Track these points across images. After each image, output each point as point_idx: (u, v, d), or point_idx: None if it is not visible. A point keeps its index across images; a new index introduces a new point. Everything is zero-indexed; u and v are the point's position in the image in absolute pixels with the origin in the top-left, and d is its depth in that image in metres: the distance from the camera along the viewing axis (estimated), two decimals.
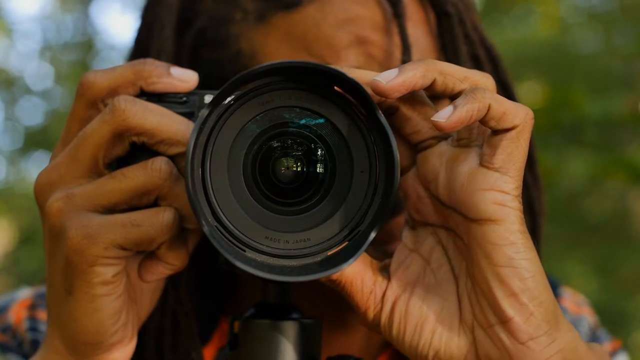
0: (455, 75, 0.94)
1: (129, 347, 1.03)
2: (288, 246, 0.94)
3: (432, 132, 0.97)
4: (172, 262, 1.01)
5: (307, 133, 0.95)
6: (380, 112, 0.92)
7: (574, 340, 0.96)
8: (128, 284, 1.01)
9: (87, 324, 0.99)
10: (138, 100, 0.99)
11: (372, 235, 0.92)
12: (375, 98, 0.94)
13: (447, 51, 1.21)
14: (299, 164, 0.95)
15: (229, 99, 0.93)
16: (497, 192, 0.93)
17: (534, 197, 1.28)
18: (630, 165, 3.51)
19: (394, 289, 0.98)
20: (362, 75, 0.94)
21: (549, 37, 7.40)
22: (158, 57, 1.20)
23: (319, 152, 0.95)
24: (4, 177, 10.22)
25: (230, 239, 0.94)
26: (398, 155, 0.91)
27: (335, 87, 0.94)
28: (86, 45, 10.35)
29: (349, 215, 0.94)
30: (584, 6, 8.26)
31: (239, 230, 0.94)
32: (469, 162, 0.95)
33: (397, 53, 1.18)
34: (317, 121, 0.95)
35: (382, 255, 1.17)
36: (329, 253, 0.94)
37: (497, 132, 0.93)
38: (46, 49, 10.44)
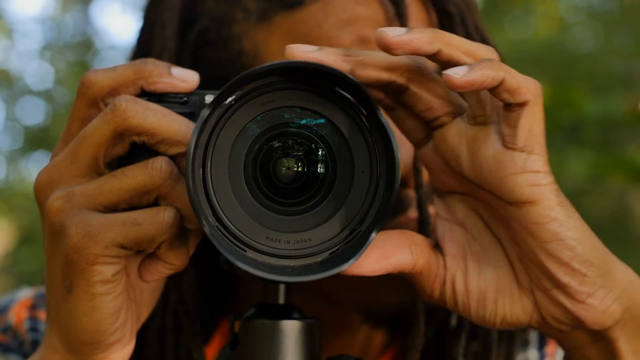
0: (460, 47, 0.94)
1: (128, 347, 1.03)
2: (289, 246, 0.94)
3: (445, 108, 0.97)
4: (172, 262, 1.01)
5: (308, 133, 0.95)
6: (381, 112, 0.92)
7: (630, 284, 0.99)
8: (128, 284, 1.01)
9: (86, 322, 0.99)
10: (139, 99, 0.99)
11: (373, 235, 0.92)
12: (376, 62, 0.94)
13: None
14: (299, 164, 0.95)
15: (229, 99, 0.93)
16: (529, 174, 0.94)
17: None
18: (630, 165, 3.52)
19: (449, 267, 1.00)
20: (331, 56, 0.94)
21: (549, 36, 7.40)
22: (160, 57, 1.20)
23: (320, 153, 0.95)
24: (4, 177, 10.22)
25: (231, 239, 0.94)
26: (399, 156, 0.91)
27: (336, 88, 0.94)
28: (86, 45, 10.35)
29: (350, 215, 0.94)
30: (584, 6, 8.27)
31: (239, 231, 0.94)
32: (491, 143, 0.95)
33: None
34: (317, 121, 0.95)
35: None
36: (330, 253, 0.94)
37: (509, 106, 0.93)
38: (46, 49, 10.44)
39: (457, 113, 0.97)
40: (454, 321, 1.27)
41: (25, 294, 1.39)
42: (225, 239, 0.93)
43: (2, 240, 9.22)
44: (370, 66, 0.95)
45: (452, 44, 0.94)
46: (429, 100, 0.97)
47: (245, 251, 0.94)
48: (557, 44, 7.34)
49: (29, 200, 8.06)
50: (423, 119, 0.98)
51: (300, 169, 0.95)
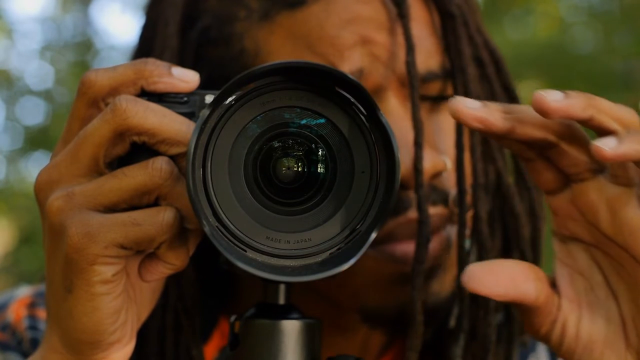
0: (609, 113, 0.95)
1: (128, 347, 1.03)
2: (289, 246, 0.94)
3: (589, 165, 0.98)
4: (172, 262, 1.01)
5: (308, 133, 0.95)
6: (381, 112, 0.92)
7: None
8: (128, 284, 1.01)
9: (85, 322, 0.99)
10: (139, 99, 0.99)
11: (373, 235, 0.92)
12: (533, 122, 0.95)
13: (451, 53, 1.21)
14: (299, 164, 0.95)
15: (229, 99, 0.93)
16: None
17: (536, 200, 1.28)
18: None
19: (564, 309, 1.00)
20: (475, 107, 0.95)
21: (549, 36, 7.39)
22: (162, 55, 1.21)
23: (320, 153, 0.95)
24: (4, 177, 10.21)
25: (231, 239, 0.94)
26: (399, 156, 0.91)
27: (336, 88, 0.94)
28: (86, 45, 10.34)
29: (350, 215, 0.94)
30: (584, 6, 8.26)
31: (239, 230, 0.94)
32: (633, 206, 0.96)
33: (401, 53, 1.18)
34: (317, 121, 0.95)
35: (383, 255, 1.17)
36: (330, 253, 0.94)
37: None
38: (46, 49, 10.44)
39: (599, 170, 0.98)
40: (452, 322, 1.27)
41: (24, 291, 1.39)
42: (225, 239, 0.93)
43: (2, 240, 9.22)
44: (528, 124, 0.95)
45: (603, 110, 0.94)
46: (575, 157, 0.97)
47: (245, 251, 0.94)
48: (557, 44, 7.33)
49: (29, 200, 8.06)
50: (564, 172, 0.99)
51: (300, 169, 0.95)
